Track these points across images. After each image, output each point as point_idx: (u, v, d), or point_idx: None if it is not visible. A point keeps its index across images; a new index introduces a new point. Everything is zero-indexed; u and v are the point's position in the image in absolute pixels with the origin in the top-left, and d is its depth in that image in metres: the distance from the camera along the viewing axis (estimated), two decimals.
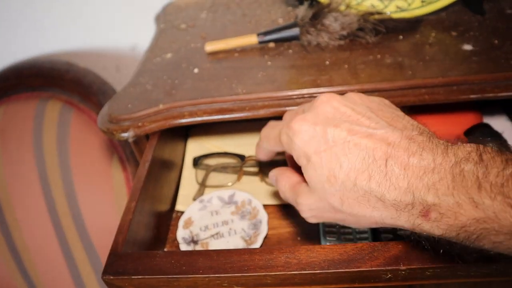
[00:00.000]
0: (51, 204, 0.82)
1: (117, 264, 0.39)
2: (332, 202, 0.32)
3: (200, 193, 0.57)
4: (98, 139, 0.78)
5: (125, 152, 0.78)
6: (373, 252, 0.36)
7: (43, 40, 0.86)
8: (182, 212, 0.55)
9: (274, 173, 0.41)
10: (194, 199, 0.57)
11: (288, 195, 0.38)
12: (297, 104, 0.49)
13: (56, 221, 0.82)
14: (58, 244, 0.84)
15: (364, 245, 0.36)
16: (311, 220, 0.36)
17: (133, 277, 0.37)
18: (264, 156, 0.44)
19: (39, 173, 0.82)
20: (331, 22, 0.55)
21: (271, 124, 0.42)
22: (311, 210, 0.35)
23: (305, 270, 0.35)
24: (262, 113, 0.50)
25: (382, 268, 0.35)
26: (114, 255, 0.40)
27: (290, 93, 0.50)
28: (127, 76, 0.88)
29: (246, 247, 0.49)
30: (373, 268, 0.35)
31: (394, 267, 0.35)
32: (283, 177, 0.39)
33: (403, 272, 0.35)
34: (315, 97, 0.49)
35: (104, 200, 0.78)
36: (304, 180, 0.35)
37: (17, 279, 0.87)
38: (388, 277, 0.35)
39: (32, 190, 0.83)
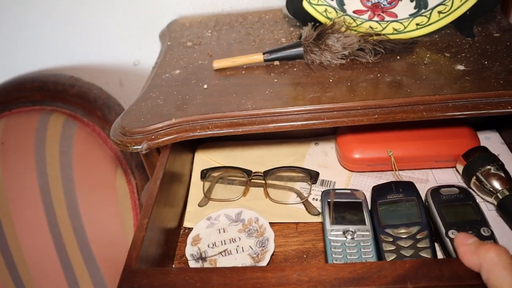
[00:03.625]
0: (51, 216, 0.82)
1: (131, 280, 0.40)
2: None
3: (205, 202, 0.60)
4: (102, 153, 0.80)
5: (129, 165, 0.79)
6: (382, 270, 0.38)
7: (46, 54, 0.87)
8: (189, 229, 0.57)
9: (474, 244, 0.37)
10: (199, 205, 0.59)
11: None
12: (305, 120, 0.52)
13: (56, 233, 0.83)
14: (57, 256, 0.84)
15: (373, 264, 0.39)
16: None
17: None
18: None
19: (40, 186, 0.82)
20: (334, 42, 0.58)
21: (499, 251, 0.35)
22: None
23: None
24: (271, 127, 0.52)
25: (391, 286, 0.37)
26: (129, 271, 0.41)
27: (297, 108, 0.52)
28: (130, 91, 0.90)
29: (253, 265, 0.50)
30: (382, 287, 0.37)
31: (402, 286, 0.37)
32: (502, 260, 0.34)
33: None
34: (321, 112, 0.53)
35: (107, 213, 0.79)
36: None
37: None
38: None
39: (32, 202, 0.83)
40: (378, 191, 0.54)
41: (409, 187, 0.53)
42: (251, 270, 0.40)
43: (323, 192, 0.56)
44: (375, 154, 0.57)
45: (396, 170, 0.57)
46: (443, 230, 0.47)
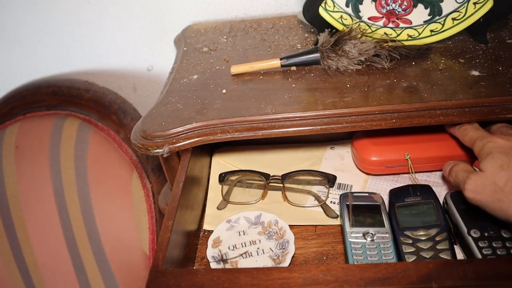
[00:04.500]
0: (65, 220, 0.83)
1: (159, 280, 0.41)
2: (497, 181, 0.44)
3: (223, 205, 0.60)
4: (117, 156, 0.80)
5: (145, 169, 0.80)
6: (406, 271, 0.39)
7: (61, 59, 0.88)
8: (208, 231, 0.58)
9: (452, 163, 0.51)
10: (218, 208, 0.60)
11: (459, 173, 0.48)
12: (324, 124, 0.53)
13: (69, 237, 0.83)
14: (70, 260, 0.84)
15: (397, 264, 0.40)
16: (470, 193, 0.46)
17: None
18: (453, 132, 0.56)
19: (54, 190, 0.83)
20: (350, 48, 0.60)
21: (476, 127, 0.52)
22: (476, 185, 0.46)
23: None
24: (291, 131, 0.53)
25: (416, 286, 0.38)
26: (156, 271, 0.42)
27: (316, 113, 0.53)
28: (143, 96, 0.91)
29: (275, 266, 0.51)
30: (407, 286, 0.38)
31: (427, 285, 0.38)
32: (460, 164, 0.50)
33: None
34: (339, 117, 0.54)
35: (122, 217, 0.80)
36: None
37: None
38: None
39: (46, 206, 0.84)
40: (396, 194, 0.55)
41: (426, 190, 0.54)
42: (278, 270, 0.40)
43: (341, 195, 0.56)
44: (392, 156, 0.58)
45: (412, 173, 0.58)
46: (464, 229, 0.48)
